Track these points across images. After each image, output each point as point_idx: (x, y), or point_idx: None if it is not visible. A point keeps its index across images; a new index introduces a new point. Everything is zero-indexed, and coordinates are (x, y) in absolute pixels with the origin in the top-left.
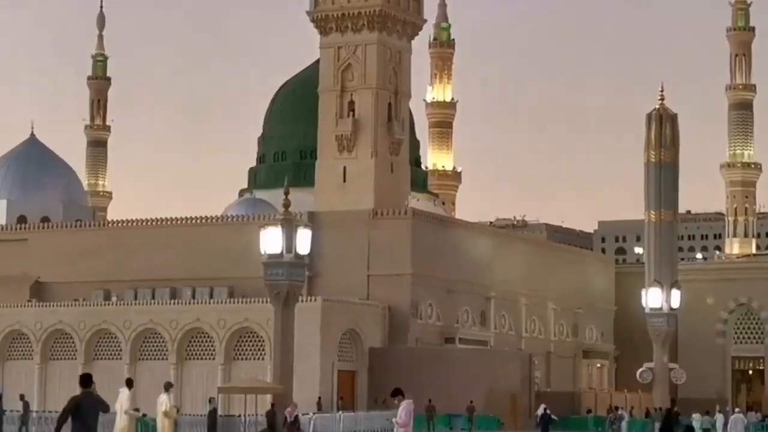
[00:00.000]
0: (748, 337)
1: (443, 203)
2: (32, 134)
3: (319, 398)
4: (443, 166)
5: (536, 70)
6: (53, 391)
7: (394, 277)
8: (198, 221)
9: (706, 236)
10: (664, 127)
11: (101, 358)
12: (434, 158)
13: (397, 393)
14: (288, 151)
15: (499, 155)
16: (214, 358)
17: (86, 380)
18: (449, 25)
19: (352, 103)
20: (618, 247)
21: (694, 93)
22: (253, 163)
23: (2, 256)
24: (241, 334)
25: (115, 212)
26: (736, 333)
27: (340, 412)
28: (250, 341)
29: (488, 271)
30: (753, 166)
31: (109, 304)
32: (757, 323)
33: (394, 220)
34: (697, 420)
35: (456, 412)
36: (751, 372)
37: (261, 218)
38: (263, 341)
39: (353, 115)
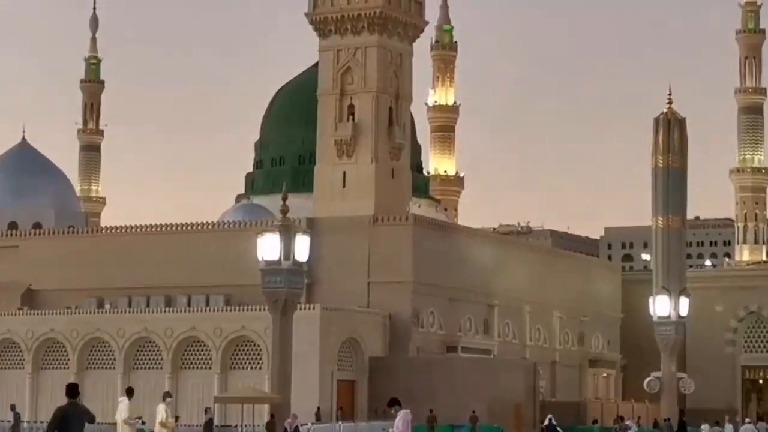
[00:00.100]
0: (759, 346)
1: (445, 209)
2: (24, 139)
3: (318, 408)
4: (445, 171)
5: (541, 73)
6: (45, 402)
7: (395, 284)
8: (194, 227)
9: (715, 243)
10: (672, 132)
11: (94, 368)
12: (436, 163)
13: (394, 403)
14: (286, 156)
15: (502, 160)
16: (210, 368)
17: (73, 390)
18: (451, 27)
19: (351, 106)
20: (625, 254)
21: (702, 96)
22: (251, 168)
23: None
24: (237, 342)
25: (108, 218)
26: (746, 342)
27: (340, 423)
28: (247, 350)
29: (492, 279)
30: (763, 171)
31: (102, 312)
32: (767, 332)
33: (395, 226)
34: (706, 431)
35: (458, 422)
36: (761, 381)
37: (258, 224)
38: (260, 350)
39: (353, 120)
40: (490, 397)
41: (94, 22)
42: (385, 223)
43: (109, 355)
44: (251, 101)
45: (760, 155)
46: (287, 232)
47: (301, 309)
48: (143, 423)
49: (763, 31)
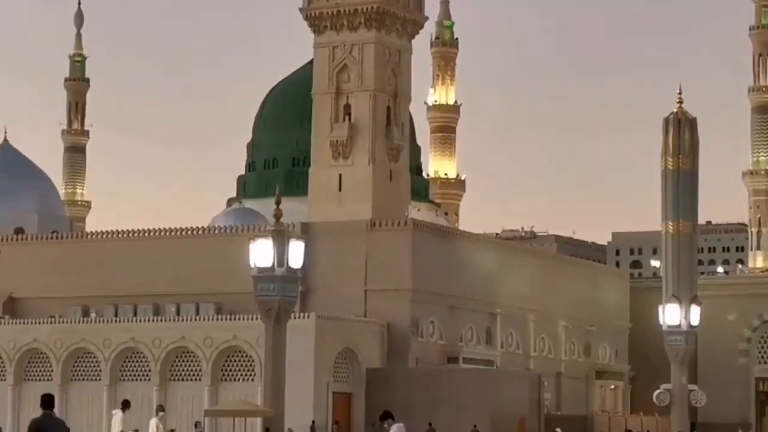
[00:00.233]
0: None
1: (446, 213)
2: (5, 140)
3: (313, 422)
4: (446, 174)
5: (545, 71)
6: (27, 415)
7: (393, 292)
8: (183, 233)
9: (728, 249)
10: (682, 132)
11: (79, 380)
12: (436, 165)
13: (387, 416)
14: (279, 157)
15: (505, 162)
16: (200, 379)
17: (48, 401)
18: (452, 23)
19: (348, 106)
20: (633, 260)
21: (714, 95)
22: (243, 171)
23: None
24: (229, 353)
25: (94, 223)
26: (759, 352)
27: None
28: (239, 361)
29: (494, 286)
30: None
31: (87, 322)
32: None
33: (393, 231)
34: None
35: None
36: None
37: (251, 229)
38: (253, 361)
39: (349, 120)
40: (492, 410)
41: (79, 18)
42: (383, 228)
43: (94, 366)
44: (243, 100)
45: None
46: (281, 238)
47: (295, 318)
48: None
49: None
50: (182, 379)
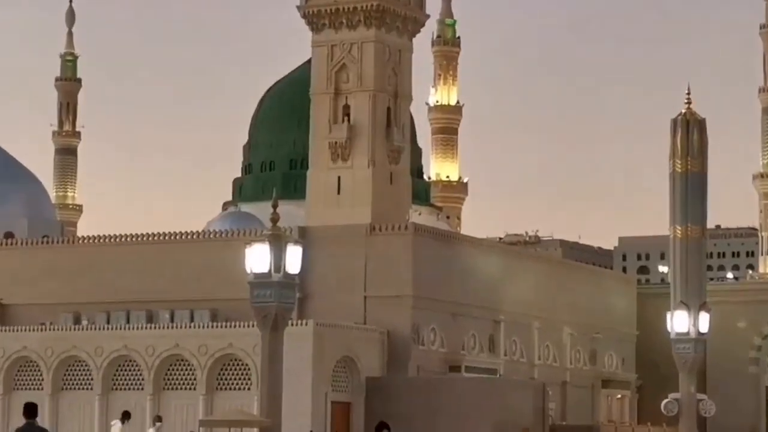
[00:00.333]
0: None
1: (448, 217)
2: None
3: None
4: (448, 177)
5: (550, 71)
6: (17, 425)
7: (394, 298)
8: (178, 237)
9: (738, 254)
10: (691, 134)
11: (70, 388)
12: (438, 168)
13: (383, 427)
14: (276, 160)
15: (509, 165)
16: (195, 388)
17: (31, 410)
18: (454, 21)
19: (347, 107)
20: (640, 265)
21: (724, 96)
22: (238, 174)
23: None
24: (224, 361)
25: (85, 228)
26: None
27: None
28: (235, 369)
29: (497, 293)
30: None
31: (79, 329)
32: None
33: (394, 235)
34: None
35: None
36: None
37: (247, 234)
38: (249, 369)
39: (348, 121)
40: (495, 420)
41: (71, 16)
42: (382, 233)
43: (86, 374)
44: (239, 101)
45: None
46: (278, 242)
47: (292, 325)
48: None
49: None
50: (176, 388)
